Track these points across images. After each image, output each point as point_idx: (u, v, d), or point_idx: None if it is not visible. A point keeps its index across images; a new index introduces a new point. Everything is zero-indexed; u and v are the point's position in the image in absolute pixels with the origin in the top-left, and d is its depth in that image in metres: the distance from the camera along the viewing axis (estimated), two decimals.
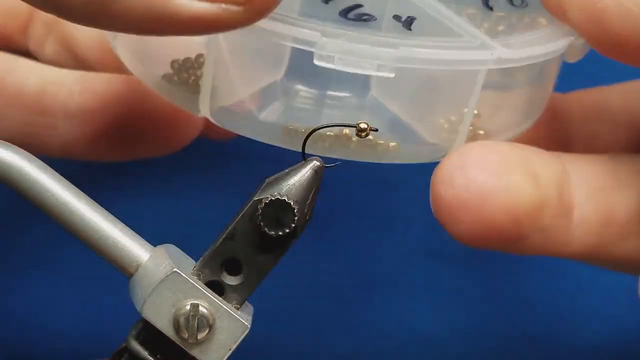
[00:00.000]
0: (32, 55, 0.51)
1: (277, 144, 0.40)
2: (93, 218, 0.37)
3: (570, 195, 0.41)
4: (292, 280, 0.59)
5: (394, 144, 0.41)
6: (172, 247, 0.39)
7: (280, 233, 0.37)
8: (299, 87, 0.41)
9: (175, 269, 0.36)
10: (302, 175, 0.37)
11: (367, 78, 0.41)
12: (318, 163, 0.37)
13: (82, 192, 0.37)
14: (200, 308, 0.36)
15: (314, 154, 0.38)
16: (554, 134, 0.48)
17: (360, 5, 0.40)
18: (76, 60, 0.50)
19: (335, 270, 0.60)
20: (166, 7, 0.34)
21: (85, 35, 0.50)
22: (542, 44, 0.40)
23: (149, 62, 0.43)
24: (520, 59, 0.40)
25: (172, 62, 0.42)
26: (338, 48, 0.37)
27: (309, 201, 0.37)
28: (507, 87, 0.43)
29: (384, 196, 0.59)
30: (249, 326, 0.37)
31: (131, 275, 0.37)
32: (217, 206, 0.57)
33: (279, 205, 0.36)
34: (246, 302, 0.38)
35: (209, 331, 0.36)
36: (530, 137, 0.43)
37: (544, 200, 0.40)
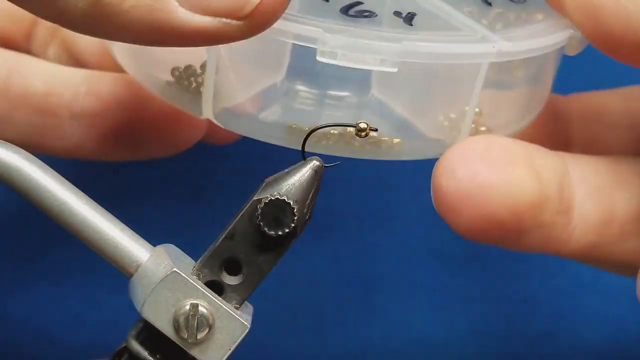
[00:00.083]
0: None
1: (280, 144, 0.40)
2: (93, 218, 0.37)
3: (570, 193, 0.41)
4: (292, 280, 0.59)
5: (397, 140, 0.41)
6: (172, 247, 0.39)
7: (280, 233, 0.36)
8: (300, 87, 0.41)
9: (174, 269, 0.36)
10: (302, 175, 0.37)
11: (368, 77, 0.41)
12: (318, 163, 0.37)
13: (82, 192, 0.37)
14: (200, 308, 0.36)
15: (317, 152, 0.38)
16: (554, 135, 0.48)
17: (360, 2, 0.40)
18: (78, 65, 0.50)
19: (335, 270, 0.60)
20: (167, 20, 0.34)
21: (87, 41, 0.50)
22: (542, 37, 0.40)
23: (149, 68, 0.43)
24: (522, 52, 0.40)
25: (173, 70, 0.42)
26: (341, 43, 0.37)
27: (308, 201, 0.37)
28: (507, 83, 0.43)
29: (384, 196, 0.59)
30: (249, 326, 0.37)
31: (131, 275, 0.37)
32: (217, 206, 0.57)
33: (279, 205, 0.36)
34: (246, 302, 0.37)
35: (209, 331, 0.36)
36: (531, 137, 0.43)
37: (545, 196, 0.40)
